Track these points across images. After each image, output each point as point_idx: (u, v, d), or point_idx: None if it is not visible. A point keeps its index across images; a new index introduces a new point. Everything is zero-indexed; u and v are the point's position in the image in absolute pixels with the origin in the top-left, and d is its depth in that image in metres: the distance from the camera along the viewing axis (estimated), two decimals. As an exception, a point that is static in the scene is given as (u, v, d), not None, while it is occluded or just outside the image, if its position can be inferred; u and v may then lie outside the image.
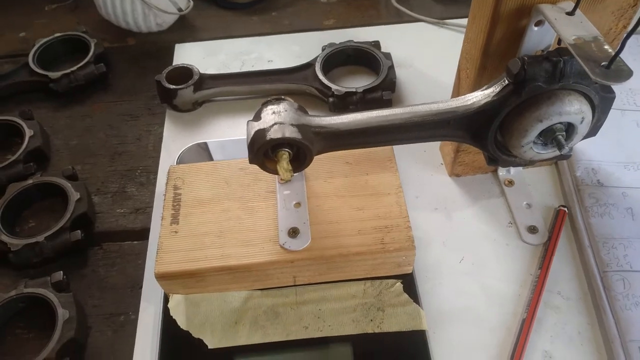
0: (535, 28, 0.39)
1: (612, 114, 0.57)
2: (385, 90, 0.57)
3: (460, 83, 0.47)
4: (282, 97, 0.39)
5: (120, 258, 0.51)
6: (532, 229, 0.49)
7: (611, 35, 0.41)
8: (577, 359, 0.42)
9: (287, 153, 0.37)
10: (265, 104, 0.38)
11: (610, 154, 0.53)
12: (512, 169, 0.53)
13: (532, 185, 0.52)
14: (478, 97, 0.38)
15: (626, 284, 0.45)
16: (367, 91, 0.57)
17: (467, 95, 0.39)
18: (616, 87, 0.59)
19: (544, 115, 0.37)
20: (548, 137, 0.39)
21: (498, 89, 0.37)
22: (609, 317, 0.43)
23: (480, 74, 0.42)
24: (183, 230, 0.42)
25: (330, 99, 0.57)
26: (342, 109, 0.57)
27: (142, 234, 0.52)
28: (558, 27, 0.36)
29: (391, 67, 0.59)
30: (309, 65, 0.60)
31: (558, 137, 0.39)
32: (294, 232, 0.42)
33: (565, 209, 0.50)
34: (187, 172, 0.46)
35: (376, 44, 0.62)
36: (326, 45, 0.62)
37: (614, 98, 0.39)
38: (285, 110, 0.37)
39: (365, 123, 0.38)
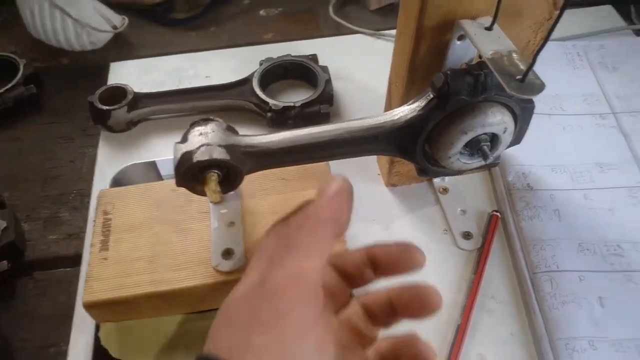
0: (458, 42, 0.40)
1: (540, 118, 0.59)
2: (323, 104, 0.58)
3: (391, 97, 0.48)
4: (211, 117, 0.39)
5: (52, 286, 0.49)
6: (467, 235, 0.51)
7: (530, 47, 0.43)
8: (509, 359, 0.44)
9: (215, 175, 0.36)
10: (192, 125, 0.38)
11: (539, 158, 0.55)
12: (447, 177, 0.54)
13: (466, 191, 0.54)
14: (405, 111, 0.39)
15: (554, 284, 0.46)
16: (304, 105, 0.57)
17: (394, 110, 0.40)
18: (543, 93, 0.61)
19: (468, 127, 0.38)
20: (474, 147, 0.40)
21: (423, 103, 0.38)
22: (538, 317, 0.45)
23: (408, 88, 0.43)
24: (113, 257, 0.42)
25: (268, 114, 0.57)
26: (281, 124, 0.57)
27: (76, 260, 0.50)
28: (477, 42, 0.37)
29: (328, 81, 0.59)
30: (247, 81, 0.60)
31: (483, 147, 0.40)
32: (228, 253, 0.41)
33: (498, 214, 0.52)
34: (118, 196, 0.45)
35: (314, 58, 0.62)
36: (263, 60, 0.62)
37: (533, 108, 0.40)
38: (213, 131, 0.37)
39: (295, 141, 0.38)
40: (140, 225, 0.43)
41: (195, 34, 0.72)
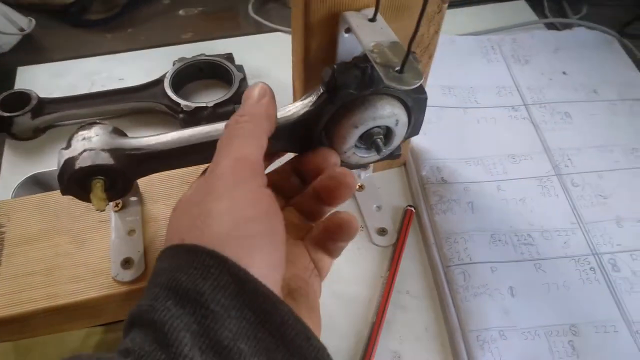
0: (346, 35, 0.39)
1: (455, 112, 0.60)
2: (238, 103, 0.57)
3: (295, 95, 0.47)
4: (97, 121, 0.37)
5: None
6: (382, 231, 0.51)
7: (425, 40, 0.43)
8: (424, 355, 0.44)
9: (100, 181, 0.35)
10: (76, 130, 0.36)
11: (453, 151, 0.56)
12: (362, 174, 0.54)
13: (382, 187, 0.54)
14: (297, 107, 0.38)
15: (466, 277, 0.47)
16: (217, 105, 0.56)
17: (287, 106, 0.39)
18: (458, 86, 0.62)
19: (358, 121, 0.38)
20: (368, 141, 0.40)
21: (314, 98, 0.37)
22: (451, 311, 0.46)
23: (306, 85, 0.42)
24: (6, 272, 0.40)
25: (180, 115, 0.56)
26: (193, 125, 0.56)
27: (-22, 277, 0.48)
28: (359, 34, 0.37)
29: (243, 79, 0.58)
30: (159, 82, 0.58)
31: (376, 140, 0.40)
32: (127, 263, 0.40)
33: (413, 209, 0.52)
34: (13, 208, 0.43)
35: (229, 57, 0.61)
36: (177, 60, 0.60)
37: (426, 99, 0.40)
38: (97, 135, 0.35)
39: (184, 141, 0.36)
40: (36, 237, 0.42)
41: (111, 35, 0.70)
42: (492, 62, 0.65)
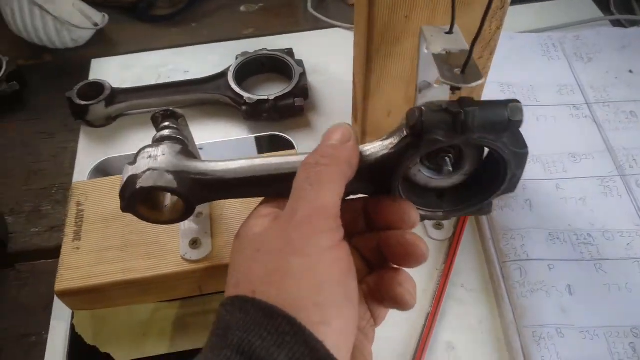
0: (426, 51, 0.39)
1: (515, 110, 0.60)
2: (298, 97, 0.58)
3: (355, 88, 0.48)
4: (170, 108, 0.39)
5: (34, 278, 0.50)
6: (438, 225, 0.51)
7: (487, 36, 0.43)
8: (478, 347, 0.44)
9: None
10: (144, 147, 0.35)
11: (512, 148, 0.56)
12: (420, 168, 0.55)
13: (439, 182, 0.54)
14: (376, 147, 0.33)
15: (522, 273, 0.47)
16: (279, 98, 0.58)
17: (365, 145, 0.35)
18: (517, 84, 0.61)
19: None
20: (434, 160, 0.38)
21: (396, 141, 0.32)
22: (506, 305, 0.46)
23: (367, 77, 0.43)
24: (85, 247, 0.42)
25: (243, 107, 0.58)
26: (255, 117, 0.58)
27: (57, 252, 0.51)
28: (430, 42, 0.36)
29: (303, 74, 0.60)
30: (223, 75, 0.61)
31: (444, 158, 0.37)
32: (194, 243, 0.42)
33: (470, 204, 0.52)
34: (91, 188, 0.46)
35: (289, 52, 0.63)
36: (240, 54, 0.63)
37: (526, 154, 0.33)
38: (163, 154, 0.33)
39: (255, 171, 0.33)
40: (112, 216, 0.44)
41: (176, 30, 0.73)
42: (553, 59, 0.64)
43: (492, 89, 0.60)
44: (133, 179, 0.32)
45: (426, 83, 0.37)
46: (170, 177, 0.32)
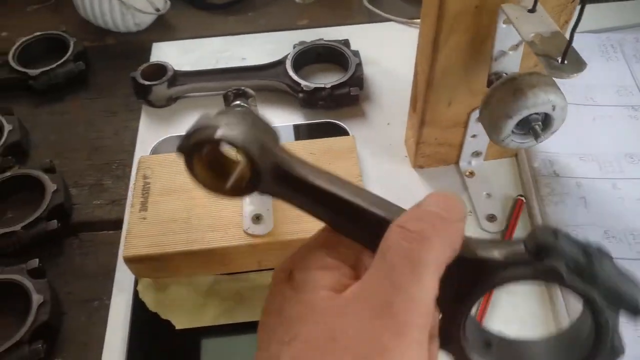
0: (504, 26, 0.40)
1: (570, 108, 0.60)
2: (353, 87, 0.59)
3: (417, 78, 0.49)
4: (242, 87, 0.40)
5: (95, 247, 0.52)
6: (491, 217, 0.52)
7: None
8: (529, 338, 0.45)
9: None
10: (233, 106, 0.34)
11: (567, 146, 0.56)
12: (473, 161, 0.55)
13: (492, 176, 0.55)
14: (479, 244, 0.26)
15: (577, 268, 0.47)
16: (335, 87, 0.59)
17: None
18: (574, 84, 0.61)
19: (511, 111, 0.37)
20: (526, 127, 0.40)
21: (511, 254, 0.26)
22: (559, 300, 0.46)
23: (432, 67, 0.44)
24: (151, 217, 0.44)
25: (300, 95, 0.59)
26: (312, 105, 0.60)
27: (117, 224, 0.53)
28: (518, 25, 0.38)
29: (359, 64, 0.61)
30: (280, 63, 0.62)
31: (534, 127, 0.40)
32: (257, 219, 0.44)
33: (523, 199, 0.52)
34: (156, 163, 0.48)
35: (346, 42, 0.64)
36: (297, 44, 0.64)
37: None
38: (254, 123, 0.27)
39: (344, 190, 0.27)
40: (177, 189, 0.46)
41: (233, 18, 0.75)
42: (612, 60, 0.64)
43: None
44: (209, 123, 0.26)
45: (501, 52, 0.38)
46: (255, 144, 0.26)
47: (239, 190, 0.27)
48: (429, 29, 0.43)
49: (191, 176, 0.28)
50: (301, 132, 0.58)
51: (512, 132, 0.41)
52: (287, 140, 0.54)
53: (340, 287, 0.23)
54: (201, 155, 0.27)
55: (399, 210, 0.27)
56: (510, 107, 0.38)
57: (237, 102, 0.41)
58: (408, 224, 0.23)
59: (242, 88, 0.40)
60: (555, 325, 0.45)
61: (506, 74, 0.43)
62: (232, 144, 0.25)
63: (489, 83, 0.44)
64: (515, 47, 0.43)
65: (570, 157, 0.55)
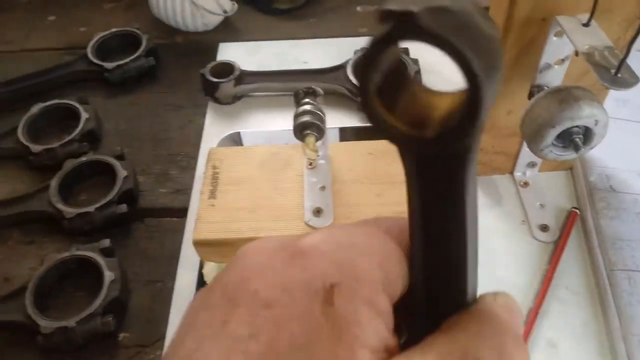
0: (555, 38, 0.42)
1: (627, 125, 0.60)
2: (412, 93, 0.61)
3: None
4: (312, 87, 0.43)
5: (160, 232, 0.56)
6: (544, 228, 0.52)
7: (620, 44, 0.44)
8: (580, 349, 0.45)
9: (313, 136, 0.40)
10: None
11: (624, 162, 0.56)
12: (528, 172, 0.56)
13: (546, 187, 0.55)
14: None
15: (632, 282, 0.47)
16: (394, 92, 0.60)
17: None
18: (633, 100, 0.61)
19: (555, 120, 0.40)
20: (566, 140, 0.42)
21: None
22: (612, 312, 0.46)
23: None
24: (219, 204, 0.47)
25: (359, 99, 0.61)
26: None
27: (181, 212, 0.56)
28: (573, 37, 0.39)
29: (417, 72, 0.63)
30: (341, 67, 0.64)
31: (575, 139, 0.41)
32: (318, 212, 0.46)
33: (577, 211, 0.53)
34: (225, 154, 0.51)
35: (405, 50, 0.66)
36: (358, 50, 0.66)
37: None
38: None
39: None
40: (244, 180, 0.49)
41: (295, 23, 0.78)
42: (674, 79, 0.63)
43: (606, 103, 0.60)
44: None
45: (547, 64, 0.39)
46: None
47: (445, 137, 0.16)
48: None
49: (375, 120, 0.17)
50: (359, 135, 0.60)
51: (552, 143, 0.41)
52: (348, 139, 0.56)
53: (380, 350, 0.17)
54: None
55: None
56: (554, 117, 0.40)
57: (307, 99, 0.43)
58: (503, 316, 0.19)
59: (312, 87, 0.43)
60: (607, 336, 0.45)
61: (547, 87, 0.44)
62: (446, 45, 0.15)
63: (530, 95, 0.45)
64: (561, 61, 0.44)
65: (628, 173, 0.55)
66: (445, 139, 0.16)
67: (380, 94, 0.17)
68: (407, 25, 0.15)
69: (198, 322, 0.18)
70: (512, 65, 0.45)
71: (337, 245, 0.19)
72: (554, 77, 0.44)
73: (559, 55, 0.44)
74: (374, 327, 0.17)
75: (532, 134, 0.42)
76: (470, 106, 0.15)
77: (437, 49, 0.15)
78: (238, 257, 0.19)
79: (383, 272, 0.18)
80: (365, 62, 0.16)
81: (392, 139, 0.17)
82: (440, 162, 0.17)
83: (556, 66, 0.43)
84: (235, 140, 0.60)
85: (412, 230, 0.19)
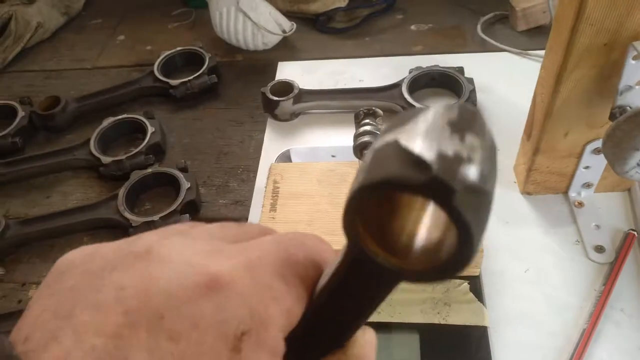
0: (633, 62, 0.42)
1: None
2: (466, 112, 0.62)
3: (535, 107, 0.51)
4: (373, 108, 0.45)
5: (220, 241, 0.58)
6: (599, 249, 0.52)
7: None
8: (635, 372, 0.45)
9: None
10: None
11: (685, 185, 0.55)
12: (583, 192, 0.56)
13: (602, 208, 0.55)
14: None
15: (690, 307, 0.47)
16: (448, 111, 0.62)
17: None
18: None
19: None
20: None
21: None
22: (670, 336, 0.45)
23: (553, 98, 0.46)
24: (279, 217, 0.49)
25: (414, 117, 0.63)
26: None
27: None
28: None
29: (473, 91, 0.64)
30: (396, 85, 0.66)
31: None
32: (374, 227, 0.47)
33: (635, 233, 0.52)
34: (285, 170, 0.54)
35: (460, 70, 0.67)
36: (413, 69, 0.68)
37: None
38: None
39: None
40: (302, 194, 0.51)
41: (351, 42, 0.80)
42: None
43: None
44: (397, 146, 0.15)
45: (627, 87, 0.40)
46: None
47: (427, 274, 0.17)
48: (554, 61, 0.45)
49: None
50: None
51: (638, 164, 0.42)
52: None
53: None
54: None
55: None
56: (638, 139, 0.40)
57: (367, 120, 0.45)
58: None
59: (373, 108, 0.45)
60: (664, 362, 0.45)
61: (630, 107, 0.44)
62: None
63: (612, 116, 0.45)
64: None
65: (688, 196, 0.54)
66: (426, 276, 0.16)
67: (366, 220, 0.17)
68: (438, 195, 0.14)
69: (76, 313, 0.16)
70: (575, 90, 0.45)
71: (255, 286, 0.18)
72: (636, 98, 0.44)
73: (637, 78, 0.43)
74: None
75: (615, 158, 0.42)
76: (458, 259, 0.15)
77: (448, 217, 0.15)
78: (142, 250, 0.17)
79: (288, 320, 0.19)
80: (363, 196, 0.15)
81: (366, 260, 0.17)
82: (386, 279, 0.18)
83: (637, 87, 0.43)
84: (294, 155, 0.63)
85: (322, 292, 0.20)
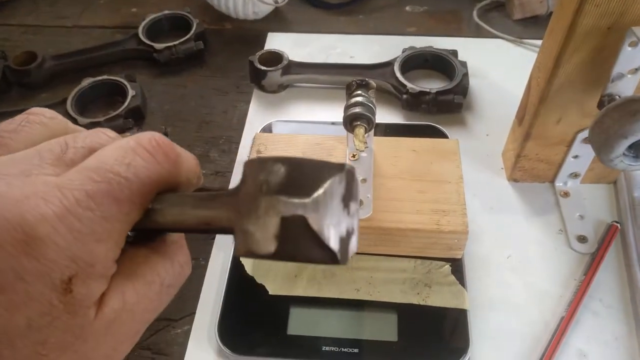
0: (629, 48, 0.41)
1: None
2: (457, 95, 0.61)
3: (529, 91, 0.50)
4: (366, 79, 0.43)
5: (198, 211, 0.57)
6: (582, 239, 0.52)
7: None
8: (610, 360, 0.45)
9: (363, 127, 0.41)
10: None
11: (670, 180, 0.55)
12: (570, 182, 0.55)
13: (587, 199, 0.55)
14: None
15: (669, 301, 0.46)
16: (440, 93, 0.61)
17: None
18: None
19: (628, 132, 0.39)
20: (638, 150, 0.41)
21: None
22: (645, 326, 0.45)
23: (550, 82, 0.45)
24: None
25: (404, 96, 0.61)
26: (414, 107, 0.62)
27: (219, 193, 0.57)
28: None
29: (465, 74, 0.63)
30: (389, 64, 0.65)
31: None
32: (361, 204, 0.46)
33: (618, 225, 0.52)
34: (270, 140, 0.52)
35: (454, 52, 0.66)
36: (407, 48, 0.66)
37: None
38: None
39: None
40: (286, 166, 0.49)
41: (344, 18, 0.78)
42: None
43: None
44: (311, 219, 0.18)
45: (619, 74, 0.39)
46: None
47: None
48: (554, 44, 0.44)
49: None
50: (401, 132, 0.60)
51: (624, 153, 0.41)
52: (390, 135, 0.57)
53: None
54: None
55: None
56: (627, 127, 0.39)
57: (359, 91, 0.44)
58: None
59: (365, 79, 0.43)
60: (640, 353, 0.45)
61: (619, 96, 0.44)
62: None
63: (600, 104, 0.45)
64: (634, 71, 0.43)
65: (673, 192, 0.54)
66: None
67: None
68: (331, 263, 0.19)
69: None
70: (573, 75, 0.44)
71: (74, 237, 0.18)
72: (626, 87, 0.43)
73: (633, 65, 0.43)
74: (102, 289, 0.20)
75: (602, 145, 0.41)
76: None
77: None
78: None
79: (118, 245, 0.20)
80: (271, 259, 0.19)
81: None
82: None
83: (629, 75, 0.43)
84: (280, 127, 0.61)
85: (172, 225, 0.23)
